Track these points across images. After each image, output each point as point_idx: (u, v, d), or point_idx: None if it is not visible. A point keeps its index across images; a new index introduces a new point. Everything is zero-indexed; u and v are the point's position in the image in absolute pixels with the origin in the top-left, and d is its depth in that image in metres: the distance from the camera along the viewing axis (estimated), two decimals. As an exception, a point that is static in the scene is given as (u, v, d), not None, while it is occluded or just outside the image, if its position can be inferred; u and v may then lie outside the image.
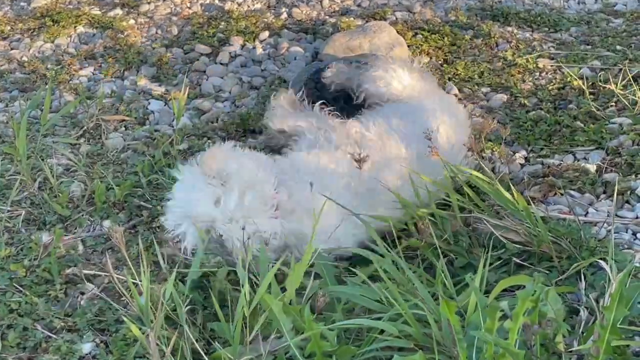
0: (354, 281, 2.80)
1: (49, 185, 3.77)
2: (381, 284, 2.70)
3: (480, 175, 3.08)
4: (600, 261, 2.60)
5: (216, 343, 2.73)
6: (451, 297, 2.70)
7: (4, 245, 3.41)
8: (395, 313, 2.59)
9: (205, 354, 2.81)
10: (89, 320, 3.06)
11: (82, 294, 3.23)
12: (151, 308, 2.65)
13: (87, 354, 2.92)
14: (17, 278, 3.25)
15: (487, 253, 2.83)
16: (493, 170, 3.70)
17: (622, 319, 2.27)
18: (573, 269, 2.81)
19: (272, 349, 2.67)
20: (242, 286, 2.62)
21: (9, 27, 5.45)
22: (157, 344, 2.47)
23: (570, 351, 2.43)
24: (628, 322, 2.50)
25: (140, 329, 2.64)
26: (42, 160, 3.93)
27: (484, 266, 2.72)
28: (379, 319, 2.59)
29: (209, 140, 4.13)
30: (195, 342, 2.64)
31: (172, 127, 4.28)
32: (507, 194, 3.01)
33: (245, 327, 2.63)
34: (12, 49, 5.23)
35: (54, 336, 3.00)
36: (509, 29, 5.16)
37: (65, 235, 3.49)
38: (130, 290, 2.75)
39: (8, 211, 3.62)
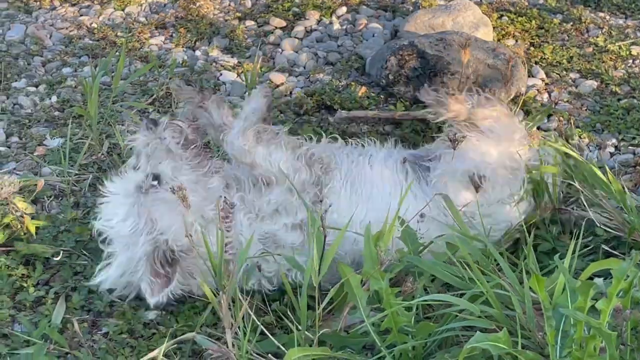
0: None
1: (118, 151, 3.85)
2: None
3: (576, 155, 3.07)
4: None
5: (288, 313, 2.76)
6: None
7: (70, 209, 3.49)
8: (474, 293, 2.59)
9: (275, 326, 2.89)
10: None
11: (148, 261, 3.29)
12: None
13: (152, 320, 2.99)
14: (83, 241, 3.32)
15: (577, 238, 2.80)
16: (580, 158, 3.67)
17: None
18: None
19: (348, 323, 2.70)
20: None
21: (78, -6, 5.56)
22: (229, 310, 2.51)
23: (665, 341, 2.40)
24: None
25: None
26: (111, 126, 4.01)
27: (574, 251, 2.69)
28: (460, 297, 2.59)
29: (281, 114, 4.17)
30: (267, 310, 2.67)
31: (244, 99, 4.32)
32: (602, 176, 2.98)
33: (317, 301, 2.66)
34: (81, 15, 5.33)
35: (119, 301, 3.06)
36: (601, 14, 5.10)
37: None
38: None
39: (75, 174, 3.69)
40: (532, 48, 4.72)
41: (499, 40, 4.77)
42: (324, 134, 3.45)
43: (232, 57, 4.78)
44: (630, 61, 4.56)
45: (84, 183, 3.67)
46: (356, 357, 2.62)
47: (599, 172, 2.98)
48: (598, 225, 2.99)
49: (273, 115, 4.09)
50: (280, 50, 4.82)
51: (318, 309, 2.67)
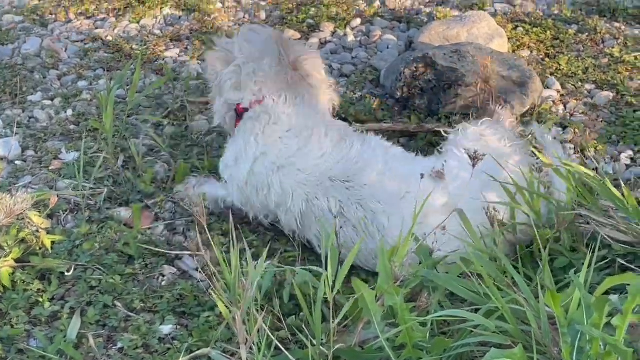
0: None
1: (133, 164, 3.86)
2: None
3: (588, 171, 3.05)
4: None
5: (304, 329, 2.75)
6: (551, 295, 2.66)
7: (85, 223, 3.50)
8: (490, 308, 2.58)
9: (290, 341, 2.88)
10: (170, 302, 3.14)
11: (162, 275, 3.30)
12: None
13: (167, 335, 2.99)
14: (98, 256, 3.33)
15: (593, 252, 2.78)
16: (596, 170, 3.65)
17: None
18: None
19: (362, 338, 2.69)
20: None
21: (94, 7, 5.58)
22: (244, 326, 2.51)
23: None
24: None
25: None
26: (126, 139, 4.03)
27: (589, 265, 2.67)
28: (475, 312, 2.58)
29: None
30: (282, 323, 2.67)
31: (259, 111, 4.32)
32: (616, 191, 2.97)
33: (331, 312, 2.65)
34: (96, 28, 5.36)
35: (134, 316, 3.07)
36: (617, 24, 5.09)
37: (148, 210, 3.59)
38: (216, 272, 2.79)
39: (90, 188, 3.71)
40: (547, 59, 4.72)
41: (514, 51, 4.77)
42: None
43: (246, 69, 4.79)
44: (646, 72, 4.55)
45: (99, 197, 3.68)
46: (371, 372, 2.62)
47: (612, 188, 2.96)
48: (611, 242, 2.96)
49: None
50: (294, 62, 4.83)
51: (332, 323, 2.67)
